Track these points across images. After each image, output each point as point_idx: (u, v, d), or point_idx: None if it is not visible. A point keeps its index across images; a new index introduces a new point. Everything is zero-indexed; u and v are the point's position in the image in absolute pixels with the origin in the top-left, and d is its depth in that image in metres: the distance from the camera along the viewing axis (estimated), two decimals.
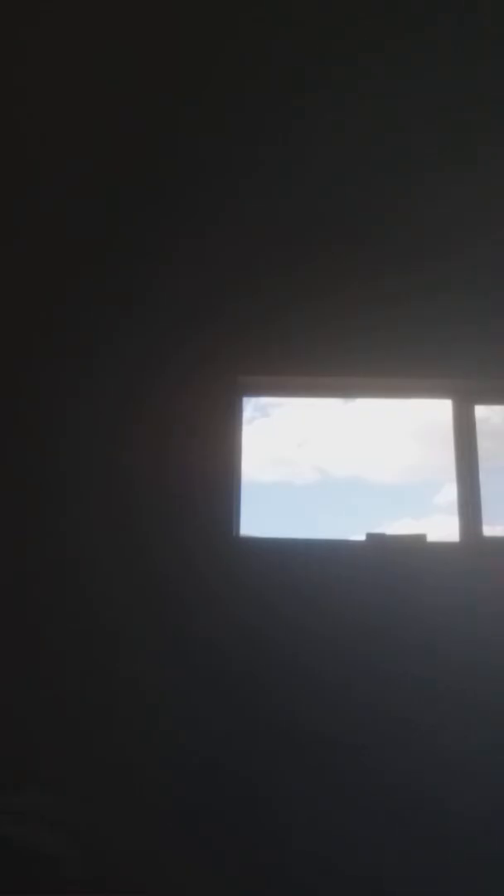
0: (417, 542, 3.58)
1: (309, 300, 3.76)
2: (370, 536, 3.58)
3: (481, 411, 3.87)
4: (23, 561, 3.46)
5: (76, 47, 3.61)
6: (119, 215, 3.85)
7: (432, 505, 3.90)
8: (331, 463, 4.01)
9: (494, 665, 3.34)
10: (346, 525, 3.73)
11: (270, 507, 3.81)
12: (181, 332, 3.71)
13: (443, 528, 3.73)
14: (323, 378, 3.79)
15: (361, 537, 3.59)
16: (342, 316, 3.75)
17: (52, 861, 2.96)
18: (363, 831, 3.18)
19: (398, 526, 3.78)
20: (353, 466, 3.97)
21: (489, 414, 3.94)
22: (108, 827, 3.12)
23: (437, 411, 3.90)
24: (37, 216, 3.83)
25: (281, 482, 3.97)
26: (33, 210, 3.83)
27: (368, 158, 3.87)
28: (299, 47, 3.62)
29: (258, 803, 3.21)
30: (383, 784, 3.22)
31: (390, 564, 3.48)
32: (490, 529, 3.69)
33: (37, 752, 3.21)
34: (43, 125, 3.77)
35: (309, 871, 3.14)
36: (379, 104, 3.78)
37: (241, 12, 3.51)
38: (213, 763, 3.23)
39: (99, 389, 3.65)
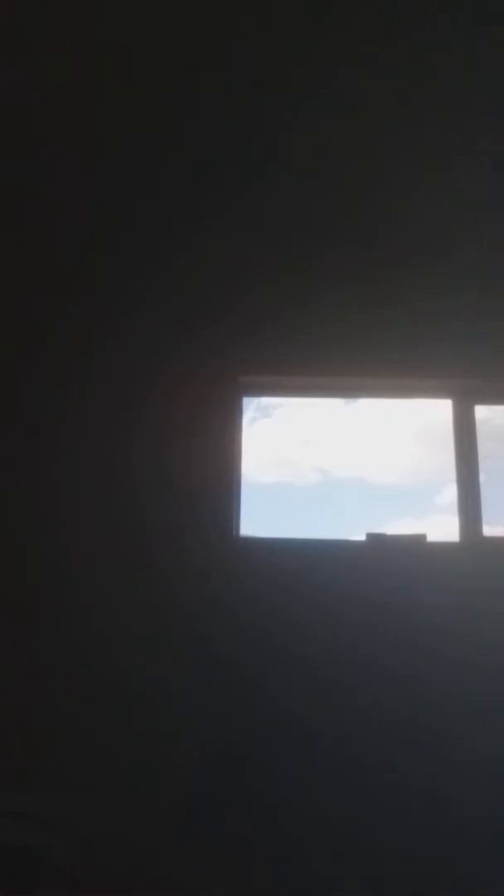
0: (417, 542, 3.58)
1: (309, 300, 3.76)
2: (370, 536, 3.58)
3: (482, 412, 3.87)
4: (23, 561, 3.46)
5: (77, 48, 3.61)
6: (119, 215, 3.85)
7: (433, 505, 3.91)
8: (332, 463, 4.02)
9: (495, 665, 3.34)
10: (347, 525, 3.74)
11: (271, 508, 3.82)
12: (181, 332, 3.71)
13: (443, 528, 3.73)
14: (323, 378, 3.80)
15: (361, 537, 3.59)
16: (342, 316, 3.75)
17: (52, 861, 2.96)
18: (365, 831, 3.18)
19: (398, 526, 3.78)
20: (354, 467, 3.97)
21: (491, 415, 3.94)
22: (108, 827, 3.12)
23: (437, 411, 3.90)
24: (37, 215, 3.84)
25: (282, 482, 3.98)
26: (33, 209, 3.84)
27: (369, 159, 3.87)
28: (299, 47, 3.62)
29: (259, 803, 3.20)
30: (384, 783, 3.22)
31: (390, 564, 3.48)
32: (490, 529, 3.69)
33: (37, 753, 3.21)
34: (44, 125, 3.77)
35: (309, 870, 3.13)
36: (379, 104, 3.77)
37: (241, 12, 3.51)
38: (213, 763, 3.23)
39: (99, 390, 3.65)
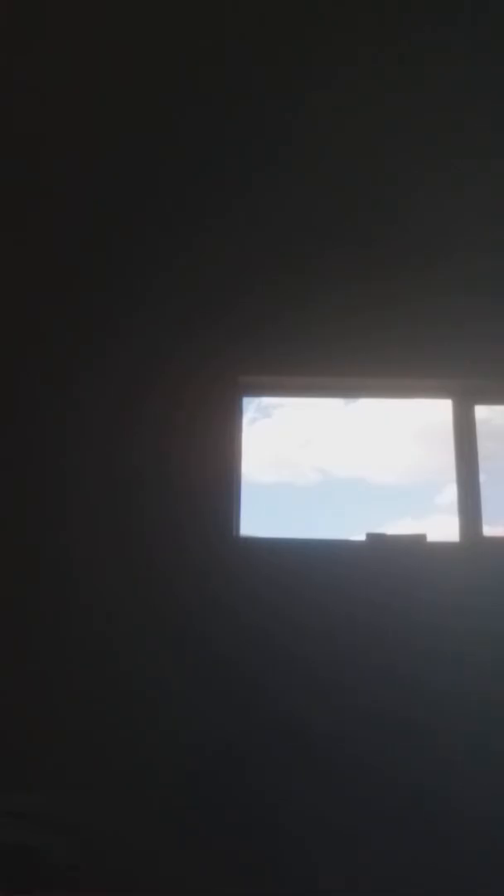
0: (417, 542, 3.58)
1: (309, 300, 3.76)
2: (370, 536, 3.58)
3: (484, 412, 3.87)
4: (23, 561, 3.46)
5: (77, 48, 3.61)
6: (119, 215, 3.85)
7: (433, 505, 3.91)
8: (332, 463, 4.02)
9: (494, 665, 3.34)
10: (347, 525, 3.74)
11: (271, 508, 3.82)
12: (181, 332, 3.71)
13: (443, 528, 3.73)
14: (323, 378, 3.80)
15: (361, 537, 3.59)
16: (342, 316, 3.75)
17: (52, 861, 2.96)
18: (365, 831, 3.18)
19: (398, 526, 3.78)
20: (354, 467, 3.97)
21: (491, 415, 3.94)
22: (108, 827, 3.12)
23: (437, 411, 3.90)
24: (37, 215, 3.84)
25: (282, 482, 3.98)
26: (33, 209, 3.84)
27: (369, 160, 3.87)
28: (299, 47, 3.62)
29: (259, 803, 3.20)
30: (384, 783, 3.22)
31: (390, 564, 3.48)
32: (490, 529, 3.69)
33: (37, 753, 3.21)
34: (44, 125, 3.78)
35: (309, 870, 3.14)
36: (379, 104, 3.78)
37: (241, 12, 3.52)
38: (213, 763, 3.23)
39: (99, 390, 3.65)
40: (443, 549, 3.62)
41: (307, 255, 3.82)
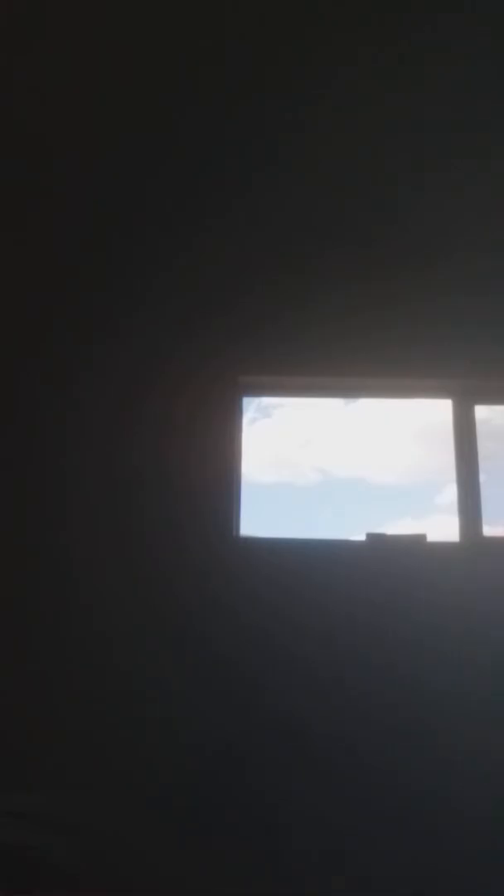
0: (417, 542, 3.58)
1: (309, 300, 3.76)
2: (370, 536, 3.58)
3: (482, 412, 3.87)
4: (23, 561, 3.46)
5: (77, 48, 3.61)
6: (119, 215, 3.86)
7: (433, 505, 3.91)
8: (332, 463, 4.02)
9: (495, 665, 3.34)
10: (347, 525, 3.74)
11: (271, 508, 3.82)
12: (181, 332, 3.71)
13: (443, 528, 3.73)
14: (323, 378, 3.80)
15: (361, 537, 3.59)
16: (342, 316, 3.75)
17: (52, 861, 2.96)
18: (365, 831, 3.18)
19: (398, 526, 3.78)
20: (354, 467, 3.97)
21: (491, 415, 3.94)
22: (108, 827, 3.12)
23: (437, 411, 3.90)
24: (37, 215, 3.84)
25: (282, 482, 3.98)
26: (33, 209, 3.84)
27: (370, 160, 3.87)
28: (299, 47, 3.62)
29: (259, 803, 3.21)
30: (384, 783, 3.22)
31: (390, 564, 3.48)
32: (490, 529, 3.69)
33: (37, 753, 3.21)
34: (44, 125, 3.78)
35: (309, 870, 3.14)
36: (379, 104, 3.78)
37: (241, 12, 3.51)
38: (213, 763, 3.23)
39: (99, 390, 3.65)
40: (443, 549, 3.62)
41: (307, 255, 3.83)
